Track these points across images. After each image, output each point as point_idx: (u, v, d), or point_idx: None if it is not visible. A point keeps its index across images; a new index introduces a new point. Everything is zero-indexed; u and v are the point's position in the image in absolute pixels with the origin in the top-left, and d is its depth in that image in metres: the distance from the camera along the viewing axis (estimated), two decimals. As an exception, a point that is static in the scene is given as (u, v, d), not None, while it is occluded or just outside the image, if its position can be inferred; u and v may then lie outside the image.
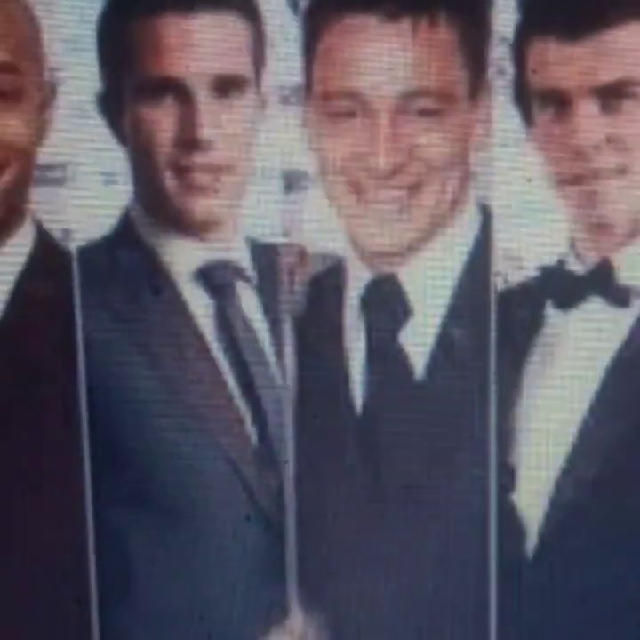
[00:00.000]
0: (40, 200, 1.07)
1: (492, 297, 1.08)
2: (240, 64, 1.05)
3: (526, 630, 1.11)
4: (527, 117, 1.06)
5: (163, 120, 1.05)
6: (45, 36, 1.04)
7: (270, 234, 1.08)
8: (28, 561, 1.11)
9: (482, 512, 1.10)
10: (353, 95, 1.04)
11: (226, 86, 1.05)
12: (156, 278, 1.09)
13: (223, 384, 1.10)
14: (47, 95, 1.05)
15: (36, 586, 1.12)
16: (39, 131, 1.05)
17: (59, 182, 1.07)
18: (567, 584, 1.10)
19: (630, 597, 1.10)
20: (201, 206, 1.07)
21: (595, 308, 1.08)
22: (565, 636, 1.11)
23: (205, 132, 1.05)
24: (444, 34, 1.03)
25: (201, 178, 1.06)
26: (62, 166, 1.06)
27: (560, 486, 1.09)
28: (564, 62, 1.03)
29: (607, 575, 1.10)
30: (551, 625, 1.11)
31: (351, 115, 1.04)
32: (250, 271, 1.10)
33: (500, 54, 1.05)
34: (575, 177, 1.06)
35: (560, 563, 1.10)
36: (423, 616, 1.12)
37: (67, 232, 1.08)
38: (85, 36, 1.04)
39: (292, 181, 1.07)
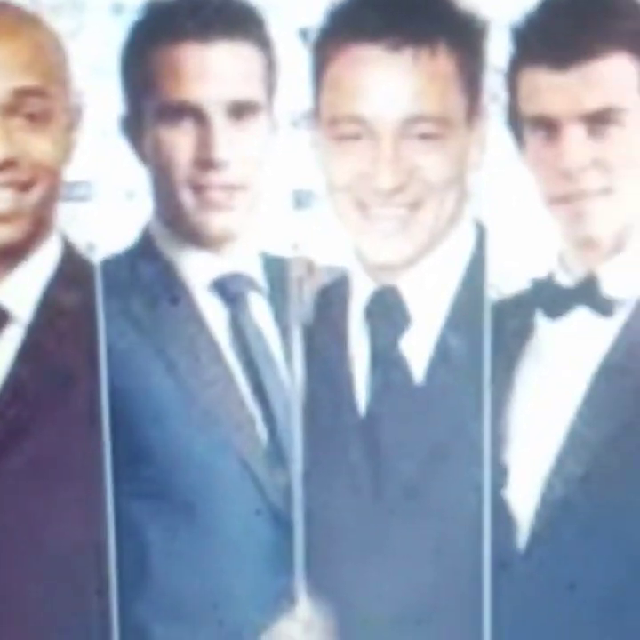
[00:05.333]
0: (66, 215, 1.14)
1: (487, 307, 1.14)
2: (253, 90, 1.11)
3: (518, 617, 1.17)
4: (519, 141, 1.12)
5: (181, 141, 1.11)
6: (71, 63, 1.10)
7: (281, 248, 1.15)
8: (52, 553, 1.17)
9: (477, 507, 1.16)
10: (358, 120, 1.09)
11: (240, 110, 1.11)
12: (174, 289, 1.15)
13: (236, 387, 1.16)
14: (73, 117, 1.11)
15: (59, 576, 1.18)
16: (66, 150, 1.12)
17: (83, 198, 1.13)
18: (556, 574, 1.16)
19: (614, 585, 1.15)
20: (216, 222, 1.14)
21: (582, 317, 1.13)
22: (555, 621, 1.16)
23: (221, 152, 1.11)
24: (443, 63, 1.09)
25: (217, 195, 1.12)
26: (87, 184, 1.13)
27: (550, 483, 1.14)
28: (553, 90, 1.08)
29: (594, 565, 1.15)
30: (542, 611, 1.16)
31: (357, 138, 1.10)
32: (261, 282, 1.16)
33: (494, 82, 1.11)
34: (563, 196, 1.11)
35: (550, 554, 1.16)
36: (421, 604, 1.18)
37: (91, 245, 1.14)
38: (109, 63, 1.11)
39: (301, 199, 1.13)
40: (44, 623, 1.19)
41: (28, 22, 1.09)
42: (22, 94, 1.08)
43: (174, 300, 1.15)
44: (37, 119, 1.09)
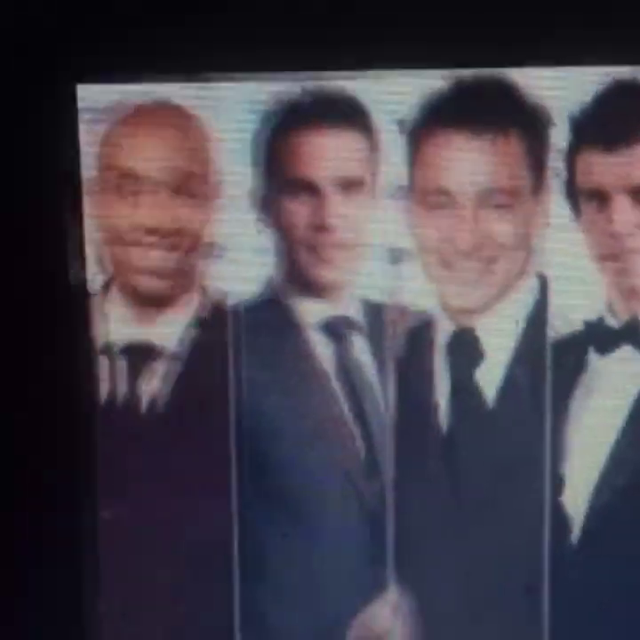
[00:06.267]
0: (205, 269, 1.28)
1: (548, 345, 1.25)
2: (359, 168, 1.25)
3: (575, 602, 1.29)
4: (575, 209, 1.23)
5: (299, 210, 1.26)
6: (212, 145, 1.26)
7: (378, 295, 1.27)
8: (183, 553, 1.32)
9: (538, 511, 1.27)
10: (444, 192, 1.23)
11: (348, 185, 1.25)
12: (291, 329, 1.29)
13: (340, 411, 1.30)
14: (213, 190, 1.26)
15: (190, 570, 1.33)
16: (206, 217, 1.27)
17: (220, 256, 1.28)
18: (606, 568, 1.27)
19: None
20: (327, 275, 1.28)
21: (626, 353, 1.25)
22: (603, 606, 1.28)
23: (332, 219, 1.25)
24: (515, 146, 1.22)
25: (327, 253, 1.26)
26: (222, 244, 1.28)
27: (598, 491, 1.26)
28: (605, 168, 1.21)
29: (636, 560, 1.27)
30: (593, 598, 1.29)
31: (442, 207, 1.24)
32: (362, 324, 1.28)
33: (556, 161, 1.23)
34: (611, 254, 1.23)
35: (600, 551, 1.27)
36: (490, 591, 1.31)
37: (224, 294, 1.29)
38: (242, 145, 1.25)
39: (396, 256, 1.26)
40: (176, 611, 1.34)
41: (187, 118, 1.26)
42: (188, 176, 1.25)
43: (292, 339, 1.29)
44: (189, 195, 1.25)
